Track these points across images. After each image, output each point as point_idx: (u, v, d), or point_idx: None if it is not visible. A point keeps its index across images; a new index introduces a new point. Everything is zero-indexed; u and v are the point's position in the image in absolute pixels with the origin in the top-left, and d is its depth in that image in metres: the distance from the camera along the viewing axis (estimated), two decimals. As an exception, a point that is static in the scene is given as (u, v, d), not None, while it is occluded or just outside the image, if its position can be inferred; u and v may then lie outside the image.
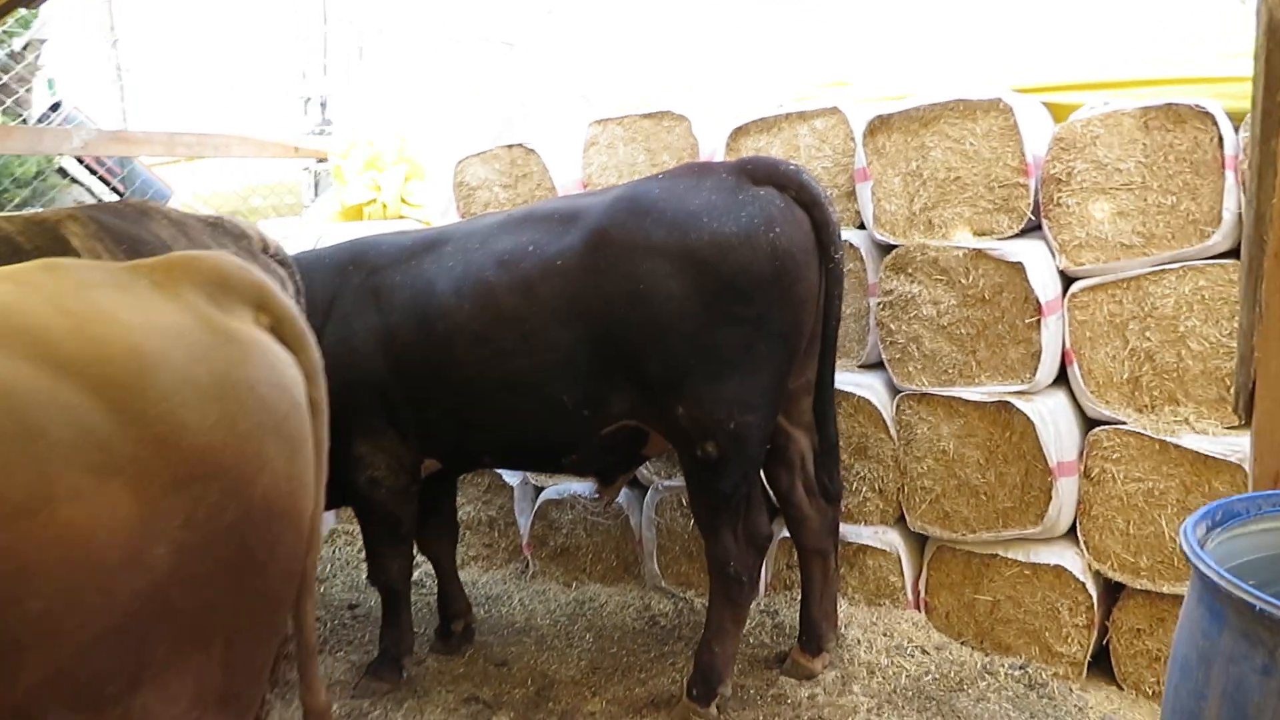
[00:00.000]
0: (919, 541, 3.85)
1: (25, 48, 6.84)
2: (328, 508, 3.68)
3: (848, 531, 3.82)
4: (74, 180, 6.84)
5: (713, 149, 4.13)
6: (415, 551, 4.03)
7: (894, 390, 3.75)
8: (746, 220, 2.93)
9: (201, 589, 1.59)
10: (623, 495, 4.39)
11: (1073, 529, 3.45)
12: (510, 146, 4.59)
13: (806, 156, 3.90)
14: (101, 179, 6.99)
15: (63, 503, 1.43)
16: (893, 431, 3.70)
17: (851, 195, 3.82)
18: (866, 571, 3.85)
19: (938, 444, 3.60)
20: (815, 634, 3.51)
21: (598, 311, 3.08)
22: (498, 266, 3.24)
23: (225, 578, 1.62)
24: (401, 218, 5.44)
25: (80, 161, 6.44)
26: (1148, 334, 3.24)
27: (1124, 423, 3.29)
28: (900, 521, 3.81)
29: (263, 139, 5.53)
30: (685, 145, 4.20)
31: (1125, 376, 3.31)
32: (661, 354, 3.02)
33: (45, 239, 2.39)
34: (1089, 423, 3.47)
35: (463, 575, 4.99)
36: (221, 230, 2.90)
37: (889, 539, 3.80)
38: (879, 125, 3.64)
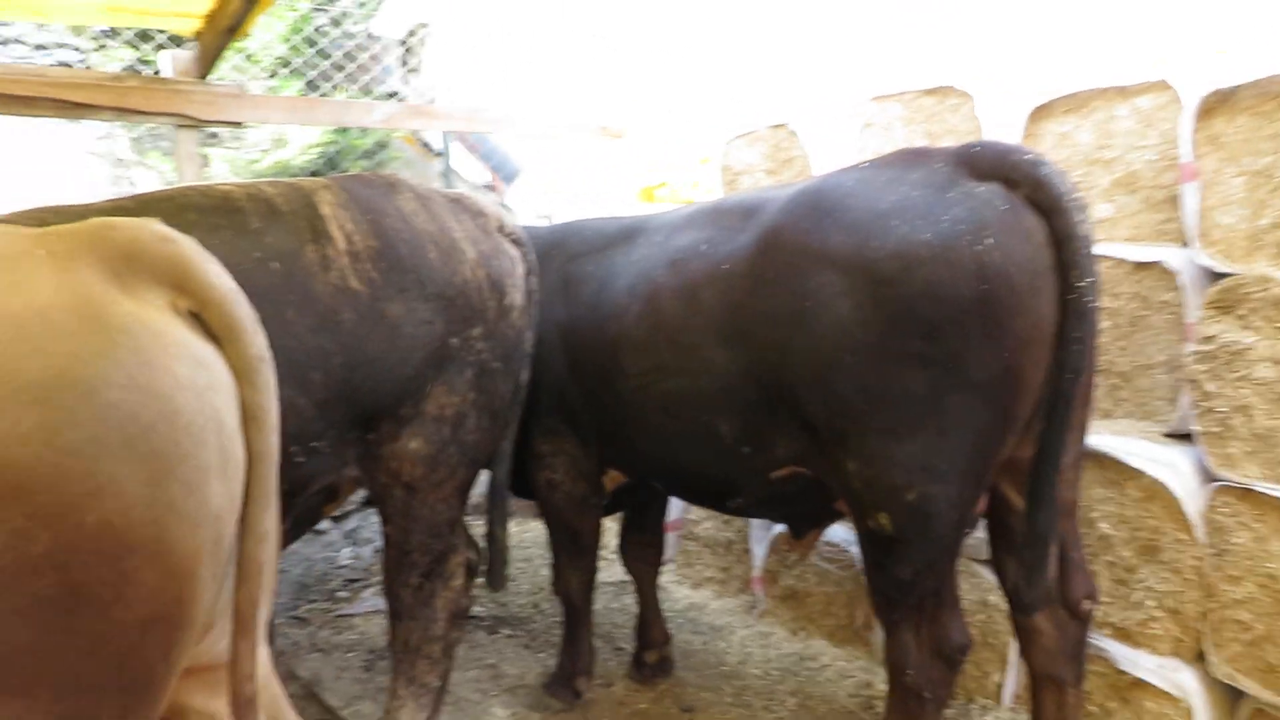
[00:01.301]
0: (1226, 694, 2.73)
1: (410, 34, 7.46)
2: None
3: (1121, 656, 2.82)
4: (435, 153, 7.34)
5: (1005, 133, 3.24)
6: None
7: (1206, 476, 2.67)
8: (948, 226, 2.15)
9: (12, 628, 1.34)
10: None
11: None
12: (775, 127, 4.02)
13: (1125, 145, 2.89)
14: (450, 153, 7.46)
15: None
16: (1198, 533, 2.64)
17: (1175, 201, 2.76)
18: (1143, 716, 2.81)
19: (1264, 564, 2.49)
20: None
21: (759, 331, 2.47)
22: (668, 267, 2.75)
23: (45, 618, 1.36)
24: (689, 202, 5.10)
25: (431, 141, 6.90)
26: None
27: None
28: (1200, 660, 2.72)
29: (567, 118, 5.47)
30: (970, 128, 3.34)
31: None
32: (824, 394, 2.35)
33: (301, 203, 2.50)
34: None
35: (693, 598, 4.60)
36: (460, 207, 2.85)
37: (1179, 680, 2.72)
38: (1217, 103, 2.56)
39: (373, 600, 4.59)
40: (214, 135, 5.49)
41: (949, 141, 3.40)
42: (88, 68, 5.17)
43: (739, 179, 4.24)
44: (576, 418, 3.20)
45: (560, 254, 3.26)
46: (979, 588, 3.27)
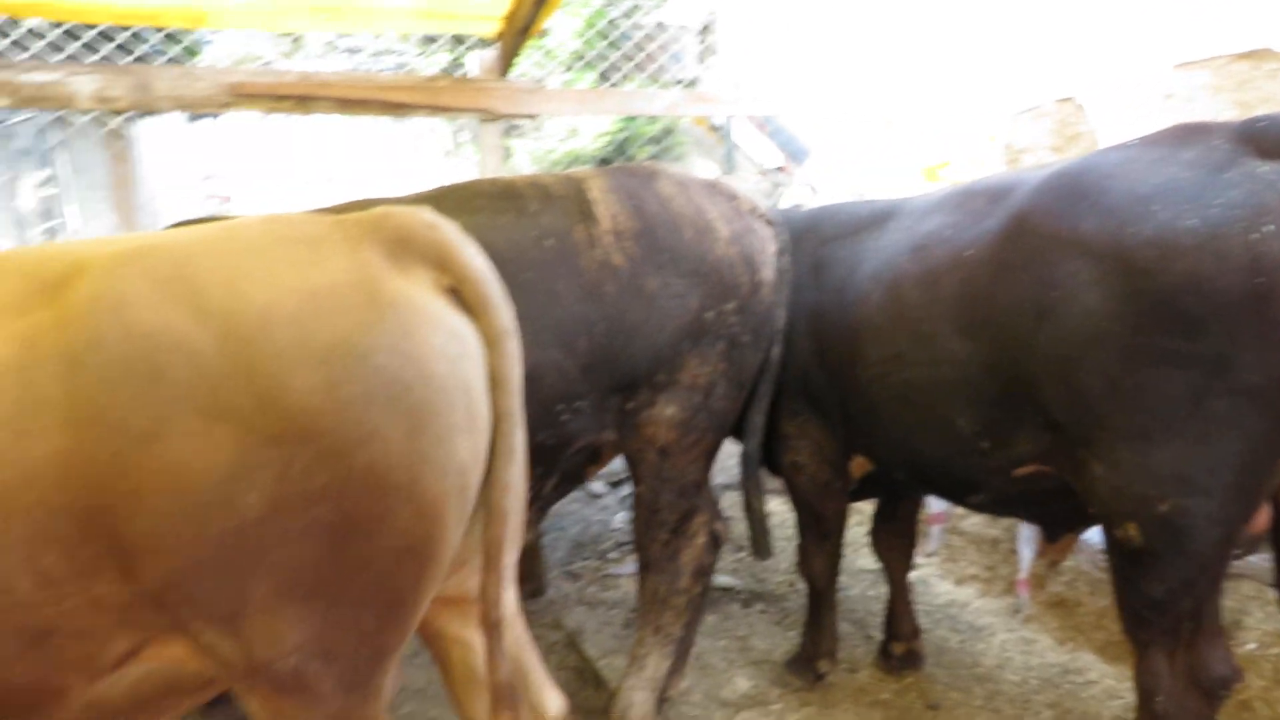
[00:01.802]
0: None
1: (704, 22, 7.69)
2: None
3: None
4: (722, 136, 7.53)
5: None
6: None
7: None
8: (1219, 212, 1.95)
9: (296, 544, 1.64)
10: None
11: None
12: (1061, 101, 3.76)
13: None
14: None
15: (173, 437, 1.59)
16: None
17: None
18: None
19: None
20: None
21: (1001, 322, 2.38)
22: (912, 252, 2.70)
23: (322, 539, 1.65)
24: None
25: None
26: None
27: None
28: None
29: (849, 100, 5.41)
30: (1291, 99, 2.96)
31: None
32: (1069, 392, 2.22)
33: (572, 190, 2.83)
34: None
35: (955, 595, 4.47)
36: (715, 190, 3.04)
37: None
38: None
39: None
40: (516, 128, 6.02)
41: (1265, 112, 3.03)
42: (411, 71, 5.85)
43: (1021, 157, 4.03)
44: (821, 402, 3.23)
45: (814, 237, 3.29)
46: (1275, 616, 2.93)
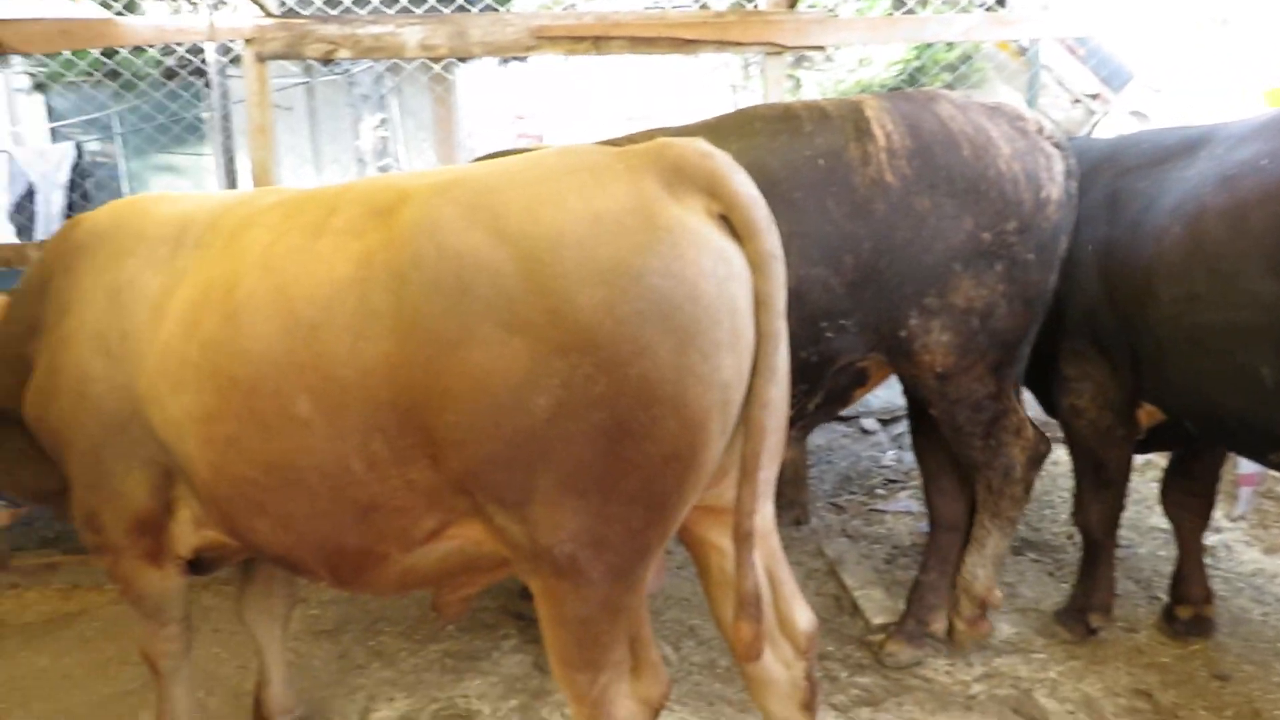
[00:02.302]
0: None
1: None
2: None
3: None
4: (1029, 61, 7.04)
5: None
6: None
7: None
8: None
9: (576, 444, 1.84)
10: None
11: None
12: None
13: None
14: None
15: (476, 346, 1.84)
16: None
17: None
18: None
19: None
20: None
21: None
22: (1218, 184, 2.47)
23: (598, 441, 1.84)
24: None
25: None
26: None
27: None
28: None
29: (1169, 10, 4.85)
30: None
31: None
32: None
33: (848, 109, 2.92)
34: None
35: (1263, 564, 4.12)
36: (999, 113, 3.01)
37: None
38: None
39: (906, 502, 4.84)
40: (805, 59, 5.97)
41: None
42: (703, 6, 5.95)
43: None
44: (1107, 344, 3.04)
45: (1111, 168, 3.07)
46: None
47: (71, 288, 2.53)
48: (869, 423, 5.64)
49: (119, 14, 5.29)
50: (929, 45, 5.68)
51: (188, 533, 2.52)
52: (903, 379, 3.04)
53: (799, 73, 6.26)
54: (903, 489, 5.10)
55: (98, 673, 3.55)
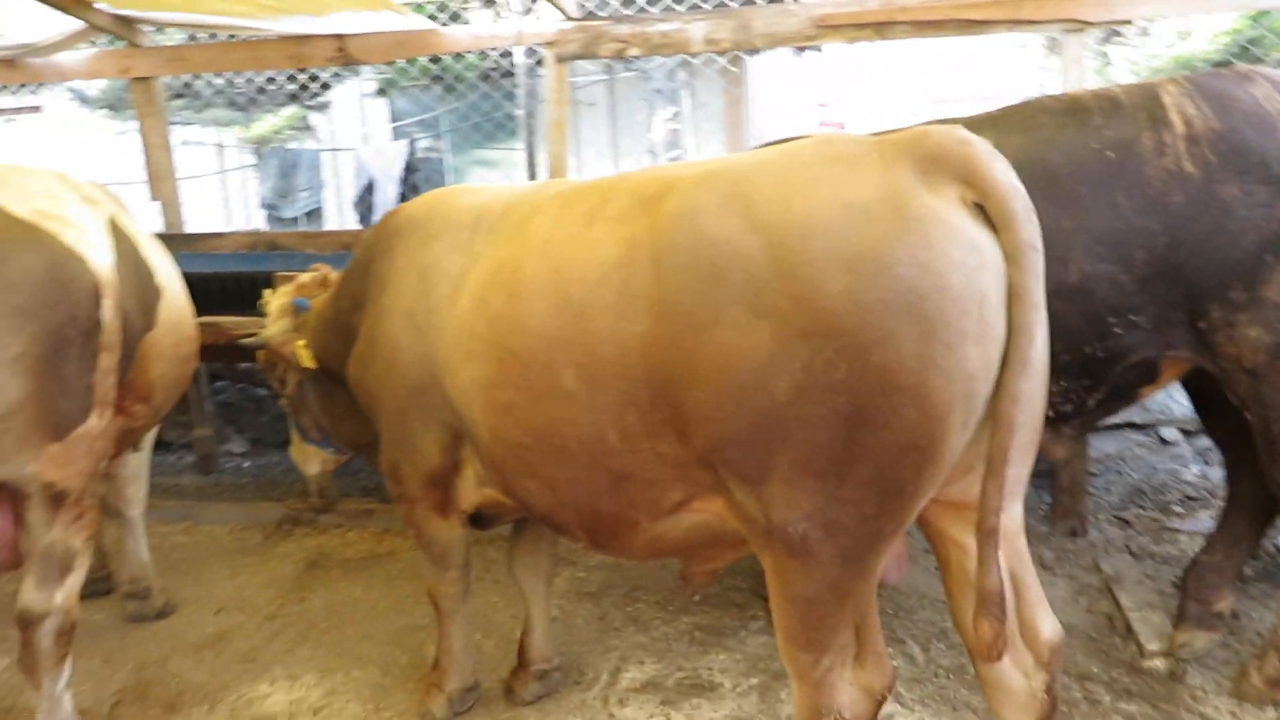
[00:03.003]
0: None
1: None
2: None
3: None
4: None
5: None
6: None
7: None
8: None
9: (814, 427, 1.88)
10: None
11: None
12: None
13: None
14: None
15: (724, 328, 1.93)
16: None
17: None
18: None
19: None
20: None
21: None
22: None
23: (836, 426, 1.87)
24: None
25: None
26: None
27: None
28: None
29: None
30: None
31: None
32: None
33: (1142, 96, 2.81)
34: None
35: None
36: None
37: None
38: None
39: (1205, 522, 4.39)
40: (1116, 35, 5.49)
41: None
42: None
43: None
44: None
45: None
46: None
47: (389, 268, 2.90)
48: (1169, 433, 5.14)
49: (443, 25, 5.90)
50: (1265, 13, 5.02)
51: (471, 490, 2.83)
52: (1214, 377, 2.79)
53: (1108, 48, 5.77)
54: (1203, 508, 4.62)
55: (397, 606, 4.05)
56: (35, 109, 15.14)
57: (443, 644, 3.17)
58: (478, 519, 3.02)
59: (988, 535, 1.93)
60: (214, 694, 3.45)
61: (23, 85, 7.01)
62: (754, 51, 6.00)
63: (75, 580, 2.80)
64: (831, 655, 2.08)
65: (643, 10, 5.27)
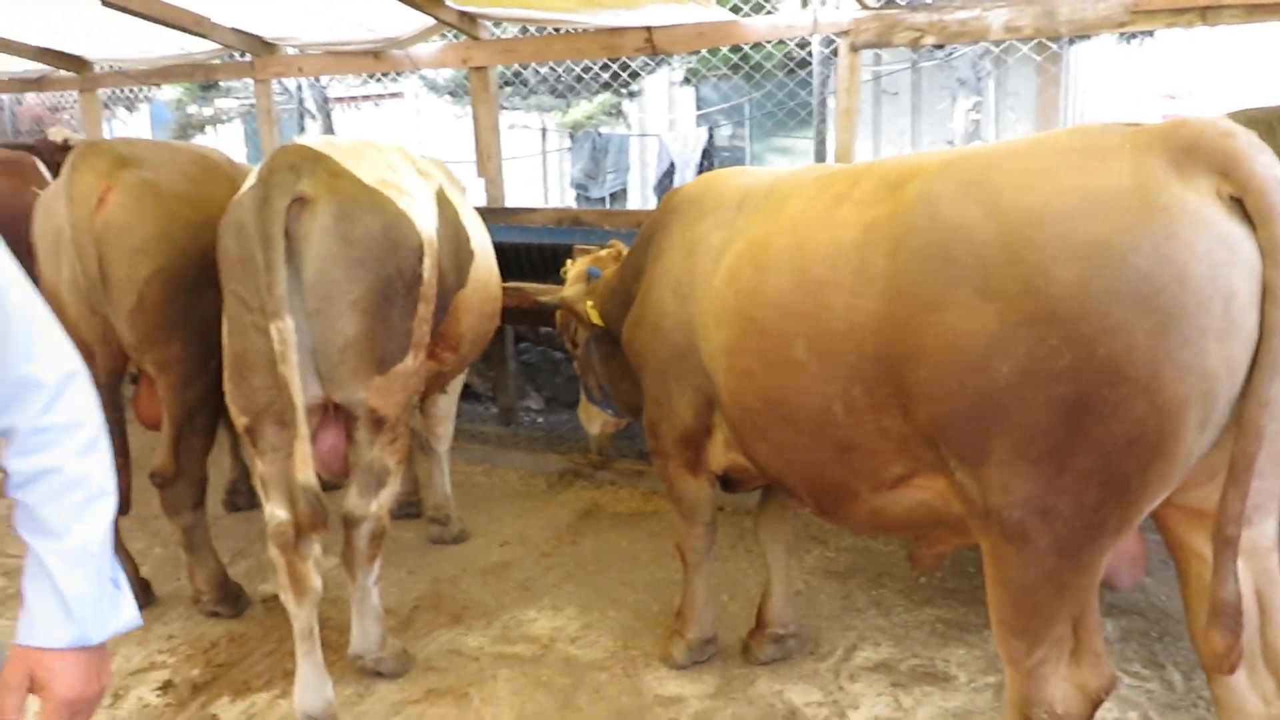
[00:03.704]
0: None
1: None
2: None
3: None
4: None
5: None
6: None
7: None
8: None
9: (1034, 412, 1.89)
10: None
11: None
12: None
13: None
14: None
15: (952, 309, 1.99)
16: None
17: None
18: None
19: None
20: None
21: None
22: None
23: (1057, 413, 1.87)
24: None
25: None
26: None
27: None
28: None
29: None
30: None
31: None
32: None
33: None
34: None
35: None
36: None
37: None
38: None
39: None
40: None
41: None
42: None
43: None
44: None
45: None
46: None
47: (665, 241, 3.17)
48: None
49: (745, 15, 6.12)
50: None
51: (719, 453, 3.04)
52: None
53: None
54: None
55: (655, 560, 4.37)
56: (398, 95, 17.29)
57: (686, 594, 3.42)
58: (727, 482, 3.23)
59: (1225, 544, 1.85)
60: (492, 612, 3.93)
61: (385, 74, 8.09)
62: (1063, 40, 5.70)
63: (388, 494, 3.32)
64: (1045, 646, 2.07)
65: (944, -4, 5.18)
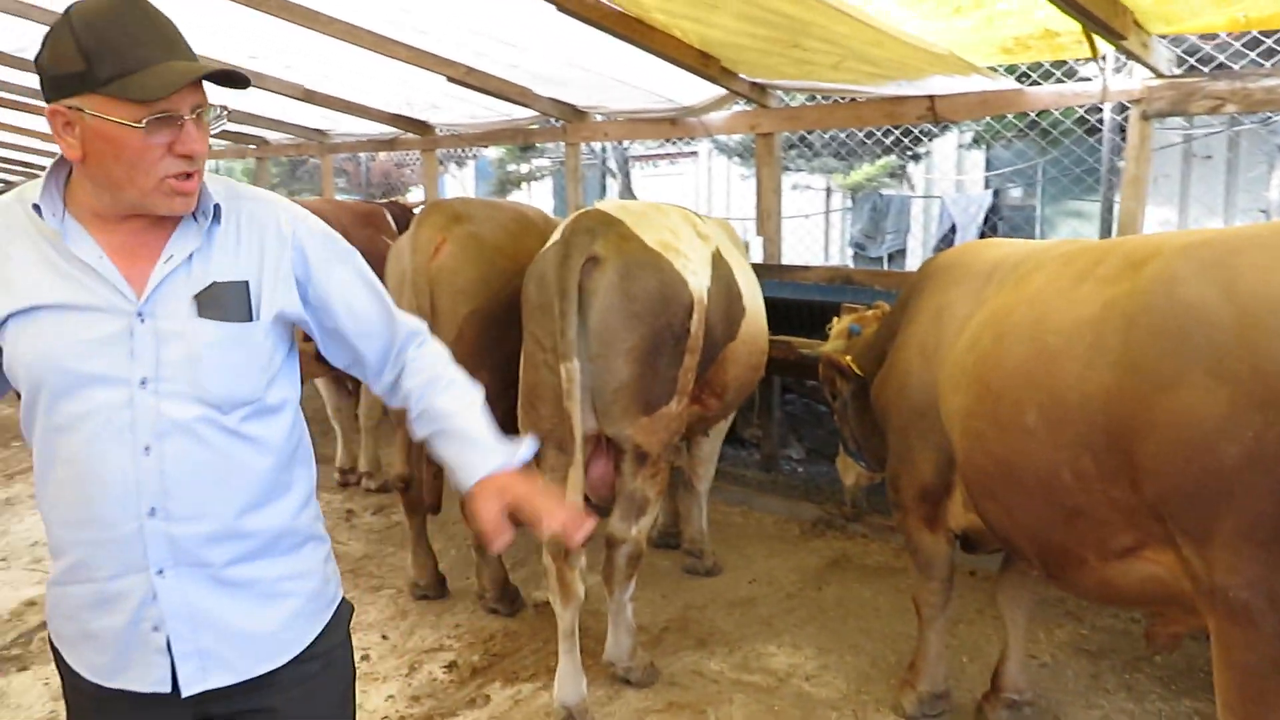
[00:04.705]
0: None
1: None
2: None
3: None
4: None
5: None
6: None
7: None
8: None
9: (1260, 496, 1.92)
10: None
11: None
12: None
13: None
14: None
15: (1184, 388, 2.06)
16: None
17: None
18: None
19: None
20: None
21: None
22: None
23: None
24: None
25: None
26: None
27: None
28: None
29: None
30: None
31: None
32: None
33: None
34: None
35: None
36: None
37: None
38: None
39: None
40: None
41: None
42: None
43: None
44: None
45: None
46: None
47: (918, 305, 3.35)
48: None
49: (1032, 84, 6.09)
50: None
51: (959, 512, 3.16)
52: None
53: None
54: None
55: (896, 613, 4.45)
56: (692, 154, 18.31)
57: (920, 647, 3.52)
58: (968, 542, 3.32)
59: None
60: (734, 641, 4.21)
61: (681, 139, 8.75)
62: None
63: (646, 521, 3.71)
64: (1269, 733, 2.05)
65: (1253, 63, 4.94)
